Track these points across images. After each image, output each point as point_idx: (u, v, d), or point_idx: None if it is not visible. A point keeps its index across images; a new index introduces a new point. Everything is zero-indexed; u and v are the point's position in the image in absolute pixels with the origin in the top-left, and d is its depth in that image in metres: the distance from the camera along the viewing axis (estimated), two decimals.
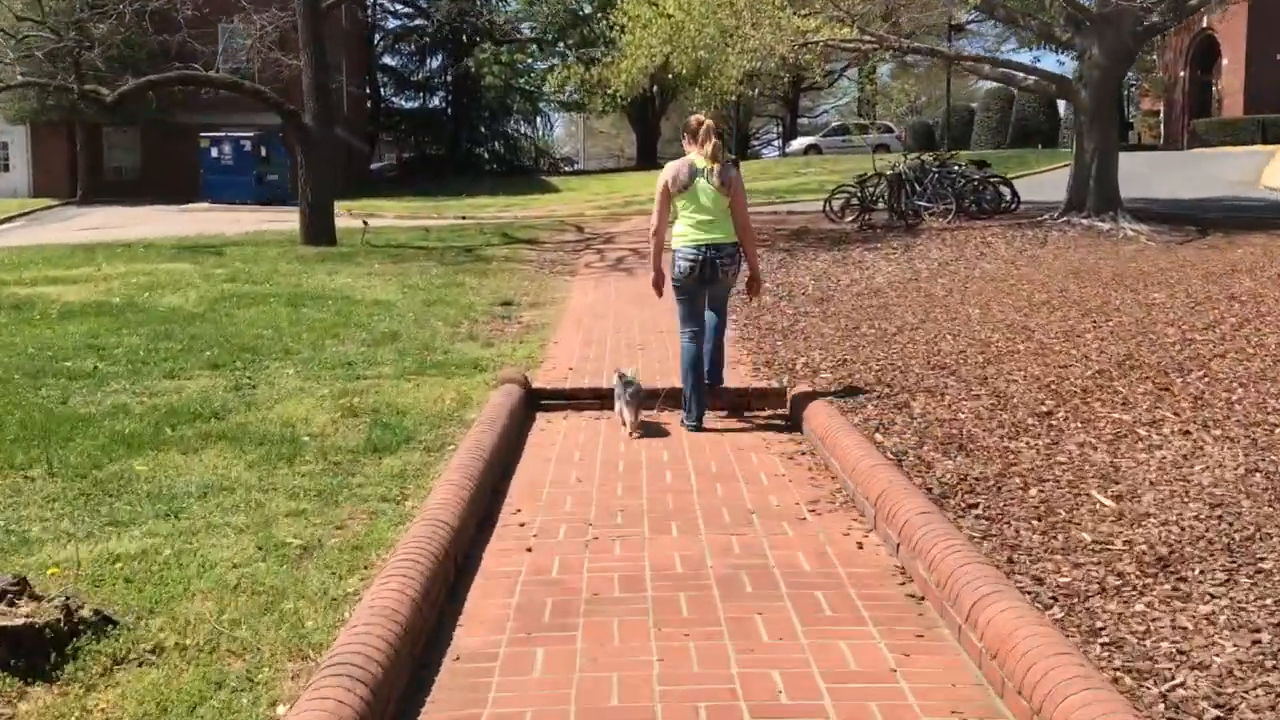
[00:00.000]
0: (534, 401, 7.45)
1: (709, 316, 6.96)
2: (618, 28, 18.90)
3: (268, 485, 5.41)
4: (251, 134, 32.95)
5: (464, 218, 28.72)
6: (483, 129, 49.94)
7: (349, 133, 42.95)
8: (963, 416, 6.58)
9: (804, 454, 6.30)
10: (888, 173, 19.43)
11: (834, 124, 50.37)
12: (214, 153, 32.87)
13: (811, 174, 37.41)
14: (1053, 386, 7.16)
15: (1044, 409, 6.63)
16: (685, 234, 6.72)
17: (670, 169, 6.81)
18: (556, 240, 19.69)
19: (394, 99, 51.72)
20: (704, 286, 6.79)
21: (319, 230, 18.12)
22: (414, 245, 18.48)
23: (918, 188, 18.89)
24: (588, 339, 10.39)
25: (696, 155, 6.75)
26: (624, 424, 6.74)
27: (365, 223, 19.31)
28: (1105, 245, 15.23)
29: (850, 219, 19.71)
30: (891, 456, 5.69)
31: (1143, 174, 24.41)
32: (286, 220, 22.76)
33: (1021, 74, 21.83)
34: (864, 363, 8.41)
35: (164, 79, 21.42)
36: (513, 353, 9.46)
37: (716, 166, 6.67)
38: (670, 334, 9.08)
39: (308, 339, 9.63)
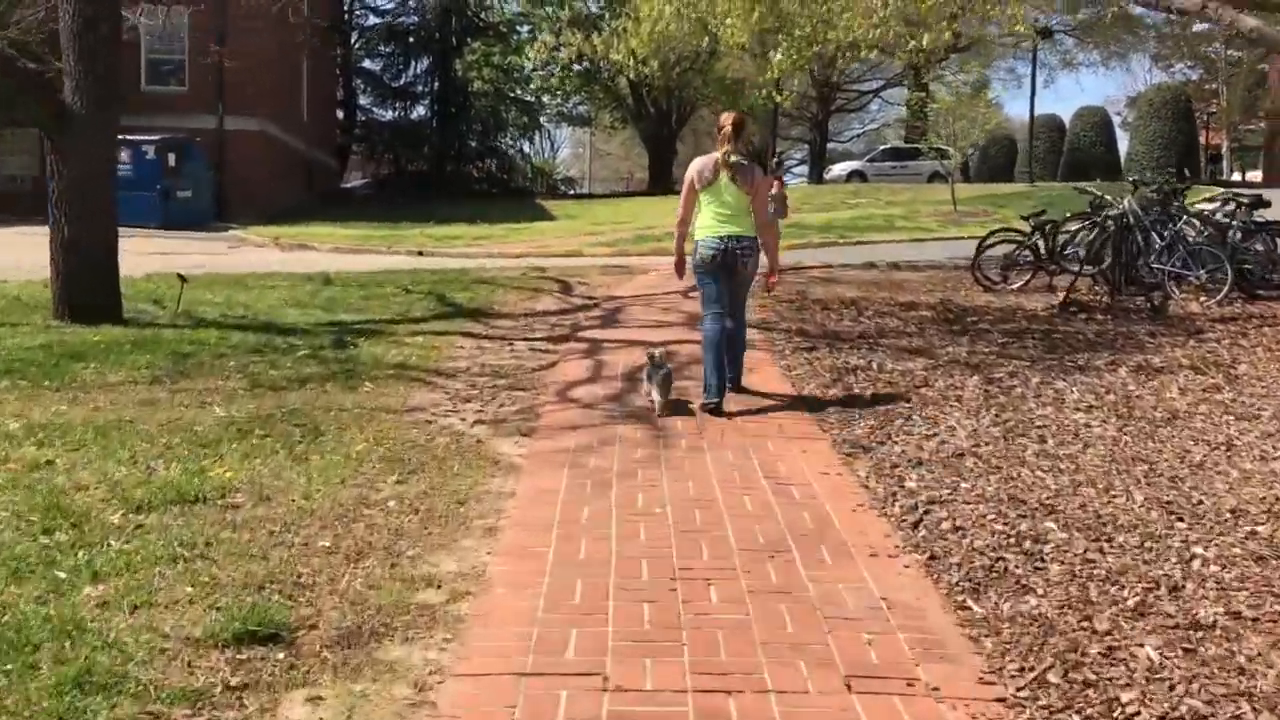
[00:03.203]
0: None
1: (727, 326, 6.76)
2: None
3: None
4: (155, 138, 24.50)
5: (419, 253, 20.60)
6: (472, 143, 41.50)
7: (311, 144, 34.57)
8: None
9: None
10: (1109, 213, 10.90)
11: (882, 147, 41.87)
12: None
13: (866, 205, 28.96)
14: None
15: None
16: (708, 227, 6.71)
17: (697, 164, 6.81)
18: (523, 311, 11.23)
19: (373, 109, 43.28)
20: (724, 273, 6.69)
21: (85, 289, 9.61)
22: (256, 325, 10.00)
23: (1156, 240, 10.39)
24: None
25: (723, 152, 6.65)
26: (651, 404, 6.61)
27: (182, 278, 10.81)
28: None
29: (1018, 284, 11.30)
30: None
31: None
32: (185, 252, 14.38)
33: None
34: None
35: None
36: None
37: (739, 165, 6.65)
38: None
39: None
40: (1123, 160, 44.13)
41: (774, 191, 18.47)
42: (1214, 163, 47.68)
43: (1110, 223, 10.65)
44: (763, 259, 7.01)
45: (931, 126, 28.89)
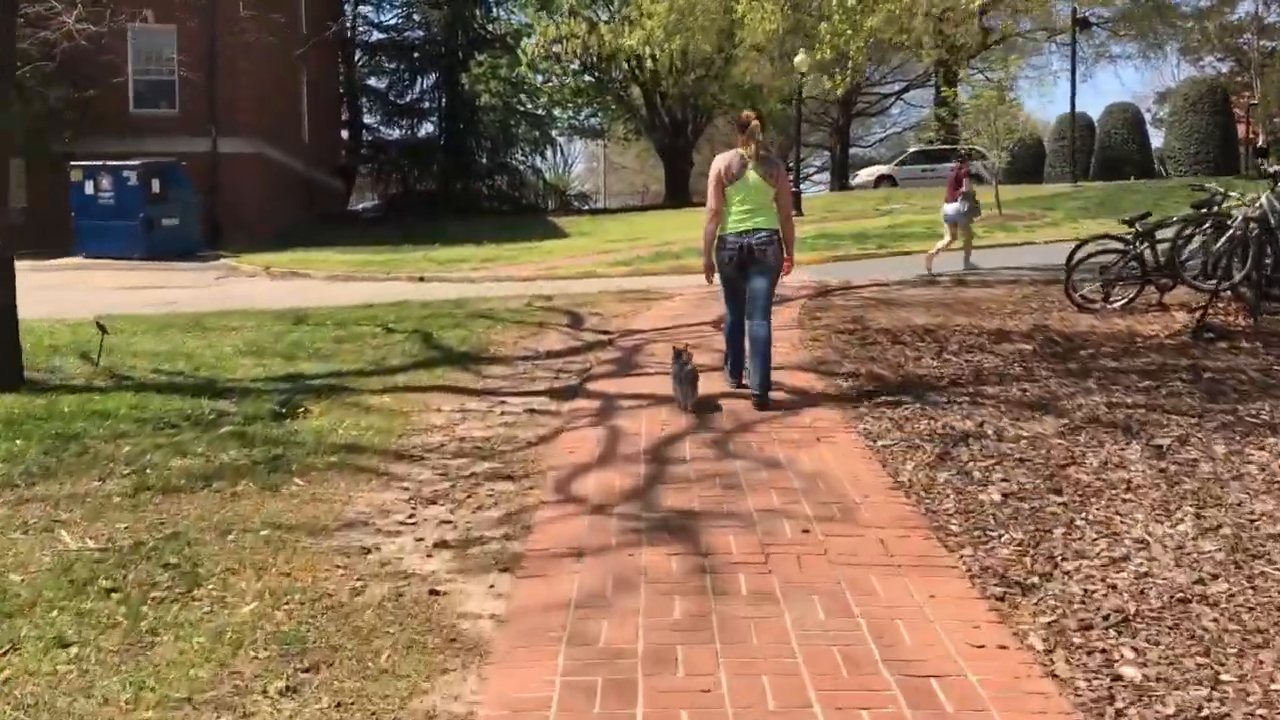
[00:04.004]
0: None
1: (751, 328, 6.63)
2: None
3: None
4: (137, 163, 22.60)
5: (420, 279, 18.68)
6: (482, 160, 39.56)
7: (311, 165, 32.71)
8: None
9: None
10: (1247, 213, 8.73)
11: (912, 149, 39.62)
12: (89, 189, 22.49)
13: (900, 212, 26.81)
14: None
15: None
16: (732, 222, 6.61)
17: (723, 159, 6.74)
18: (523, 352, 9.13)
19: (380, 128, 41.43)
20: (743, 272, 6.64)
21: None
22: (191, 384, 7.96)
23: None
24: None
25: (745, 148, 6.65)
26: (679, 399, 6.49)
27: (101, 327, 8.75)
28: None
29: (1120, 301, 9.17)
30: None
31: None
32: (164, 285, 12.46)
33: None
34: None
35: None
36: None
37: (763, 158, 6.65)
38: None
39: None
40: (1155, 157, 41.83)
41: (964, 189, 16.42)
42: (1261, 156, 45.14)
43: (1244, 225, 8.48)
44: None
45: (970, 125, 26.70)
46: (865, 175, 34.42)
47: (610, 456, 5.59)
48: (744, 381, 6.81)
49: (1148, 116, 47.97)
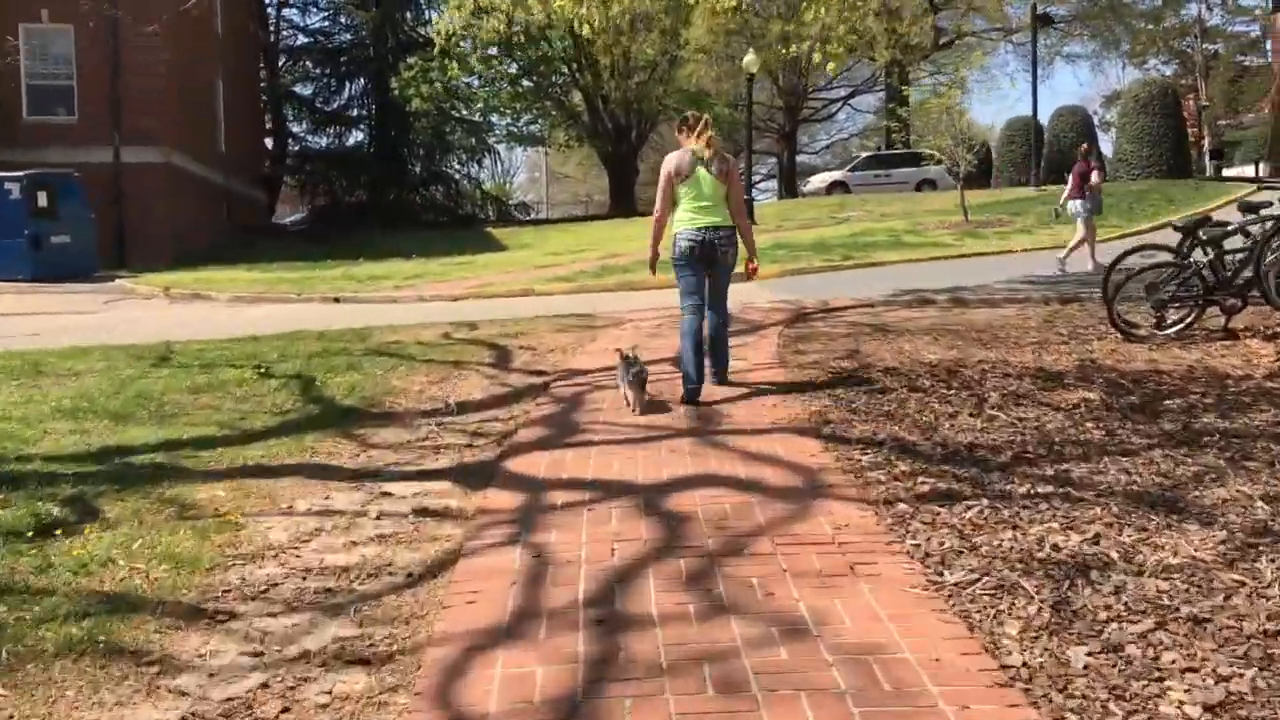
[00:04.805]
0: None
1: (710, 316, 6.57)
2: None
3: None
4: (20, 174, 20.03)
5: (336, 299, 16.58)
6: (416, 169, 37.21)
7: (230, 176, 30.18)
8: None
9: None
10: None
11: (864, 154, 37.83)
12: None
13: (858, 219, 25.02)
14: None
15: None
16: (686, 219, 6.51)
17: (673, 158, 6.63)
18: (428, 404, 6.97)
19: (307, 137, 38.86)
20: (703, 265, 6.50)
21: None
22: None
23: None
24: None
25: (696, 145, 6.56)
26: (628, 403, 6.29)
27: None
28: None
29: (1176, 325, 7.26)
30: None
31: None
32: (36, 311, 10.21)
33: None
34: None
35: None
36: None
37: (714, 156, 6.55)
38: None
39: None
40: (1108, 159, 40.62)
41: (1094, 180, 14.32)
42: (1217, 158, 44.17)
43: None
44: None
45: (932, 128, 24.95)
46: (817, 182, 32.58)
47: (531, 614, 3.46)
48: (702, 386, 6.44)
49: (1095, 119, 46.87)
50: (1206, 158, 45.39)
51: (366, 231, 30.13)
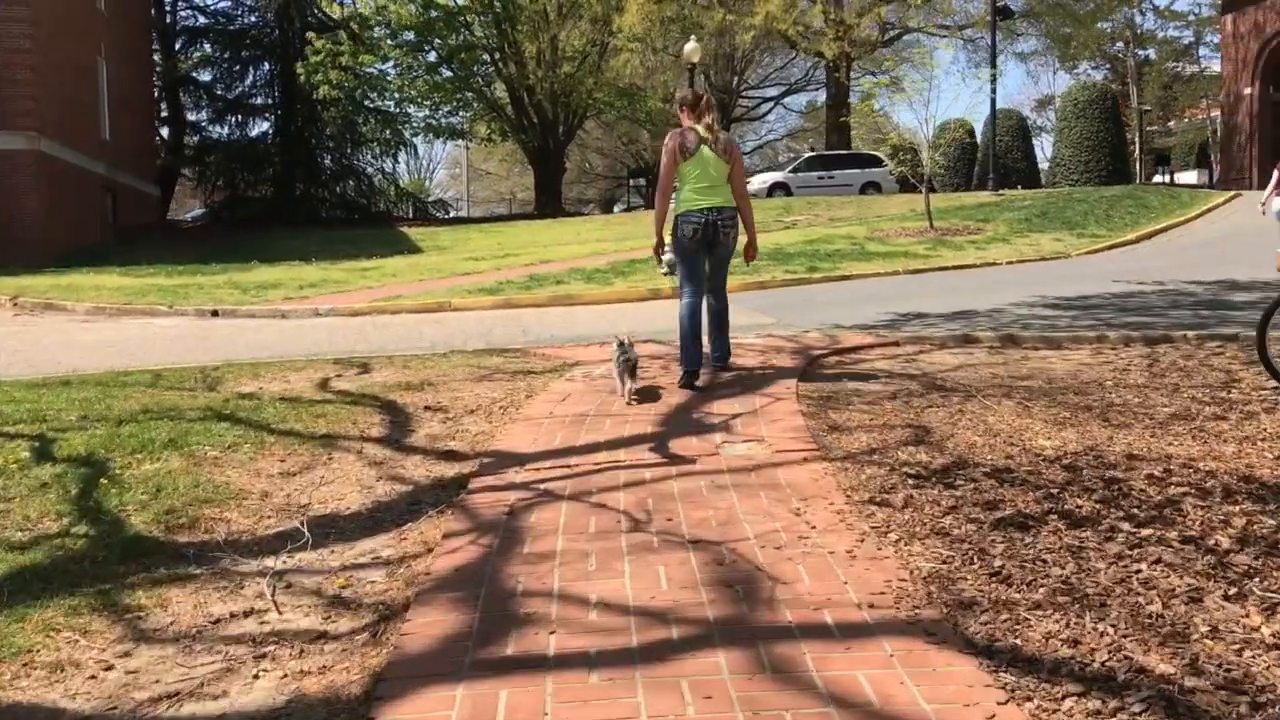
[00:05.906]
0: None
1: (710, 302, 6.45)
2: None
3: None
4: None
5: (214, 313, 13.78)
6: (325, 162, 33.98)
7: (116, 168, 26.76)
8: None
9: None
10: None
11: (806, 155, 35.46)
12: None
13: (808, 224, 22.70)
14: None
15: None
16: (689, 199, 6.25)
17: (676, 135, 6.31)
18: (270, 523, 4.31)
19: (206, 126, 35.29)
20: (704, 250, 6.29)
21: None
22: None
23: None
24: None
25: (698, 125, 6.28)
26: (620, 390, 6.07)
27: None
28: None
29: None
30: None
31: None
32: None
33: None
34: None
35: None
36: None
37: (719, 135, 6.32)
38: None
39: None
40: (1045, 165, 39.04)
41: None
42: (1162, 164, 42.96)
43: None
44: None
45: (889, 127, 22.71)
46: (757, 183, 30.18)
47: None
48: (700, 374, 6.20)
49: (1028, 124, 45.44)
50: (1137, 164, 44.15)
51: (269, 229, 27.00)
